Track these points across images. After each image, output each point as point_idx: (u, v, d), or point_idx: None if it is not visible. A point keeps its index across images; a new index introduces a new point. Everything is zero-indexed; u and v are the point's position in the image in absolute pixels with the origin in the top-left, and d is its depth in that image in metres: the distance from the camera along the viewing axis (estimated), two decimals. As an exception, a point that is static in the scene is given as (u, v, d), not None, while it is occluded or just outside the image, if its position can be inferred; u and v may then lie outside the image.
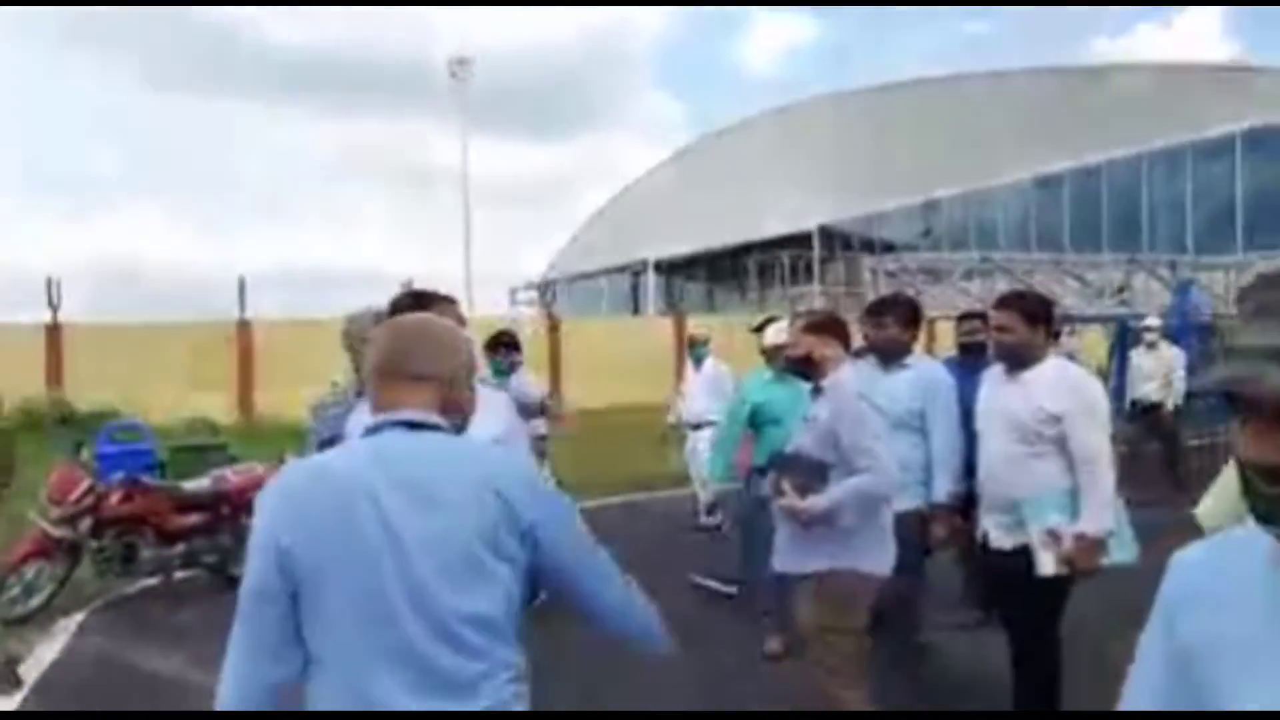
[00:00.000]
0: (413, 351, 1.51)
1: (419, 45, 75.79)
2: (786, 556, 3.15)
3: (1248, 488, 0.87)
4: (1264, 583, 0.90)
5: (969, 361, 4.48)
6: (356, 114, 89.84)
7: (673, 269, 35.31)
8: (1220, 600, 0.92)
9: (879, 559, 3.03)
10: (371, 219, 78.43)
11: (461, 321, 2.29)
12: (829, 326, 3.23)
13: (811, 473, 2.99)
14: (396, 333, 1.58)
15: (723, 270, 35.56)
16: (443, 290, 2.63)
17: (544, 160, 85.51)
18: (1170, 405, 8.19)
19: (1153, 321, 8.64)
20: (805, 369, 3.22)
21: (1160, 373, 8.21)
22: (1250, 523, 0.89)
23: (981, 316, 4.58)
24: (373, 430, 1.47)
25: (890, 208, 31.08)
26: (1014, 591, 3.11)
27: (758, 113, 38.66)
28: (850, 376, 3.15)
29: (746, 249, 32.74)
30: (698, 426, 6.89)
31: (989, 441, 3.18)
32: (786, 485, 3.01)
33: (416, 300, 2.55)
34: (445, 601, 1.35)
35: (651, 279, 32.82)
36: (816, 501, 2.92)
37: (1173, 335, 9.08)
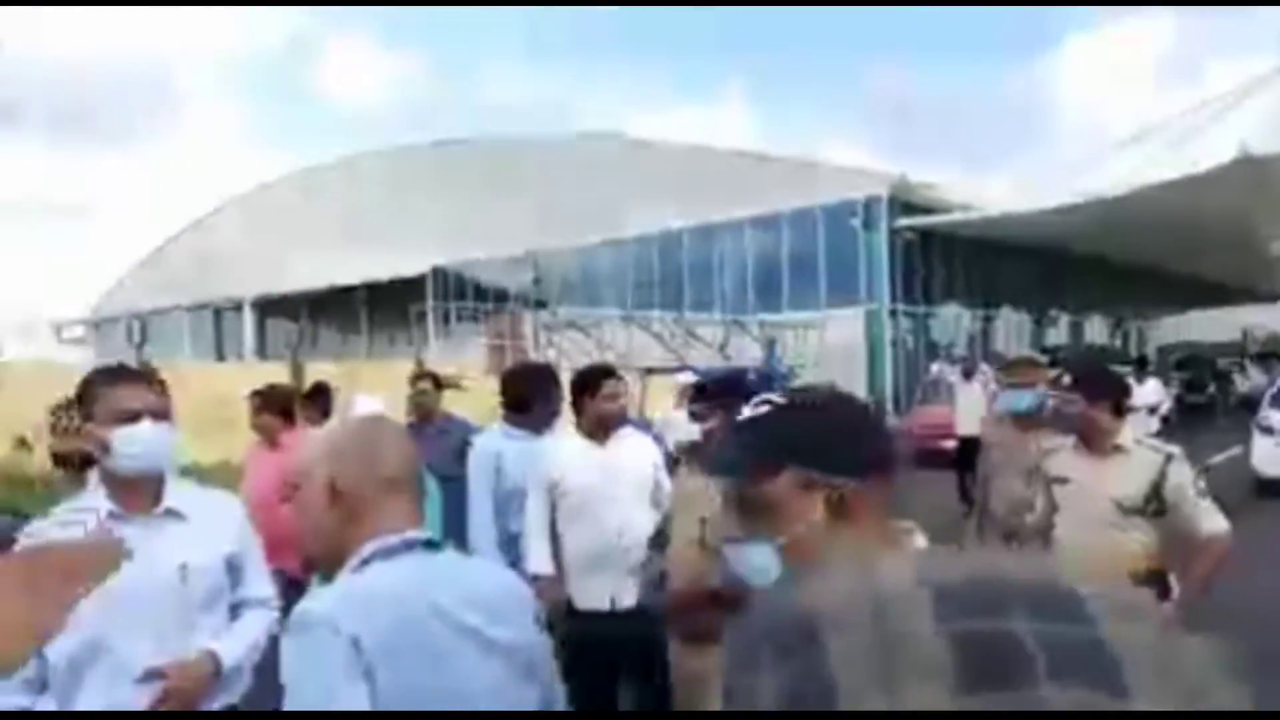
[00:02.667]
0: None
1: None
2: None
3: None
4: None
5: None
6: None
7: (268, 308, 32.56)
8: None
9: None
10: None
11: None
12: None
13: None
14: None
15: (331, 312, 33.70)
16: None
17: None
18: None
19: (685, 377, 9.75)
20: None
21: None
22: None
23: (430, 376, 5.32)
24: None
25: (502, 256, 32.32)
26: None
27: (357, 153, 37.55)
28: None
29: (350, 290, 31.52)
30: None
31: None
32: None
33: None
34: None
35: (248, 317, 29.89)
36: None
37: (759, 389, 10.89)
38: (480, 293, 33.14)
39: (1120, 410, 3.03)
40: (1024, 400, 3.81)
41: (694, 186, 26.29)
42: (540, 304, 26.07)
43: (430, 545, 1.37)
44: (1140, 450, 2.97)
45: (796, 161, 25.95)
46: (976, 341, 27.50)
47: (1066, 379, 3.16)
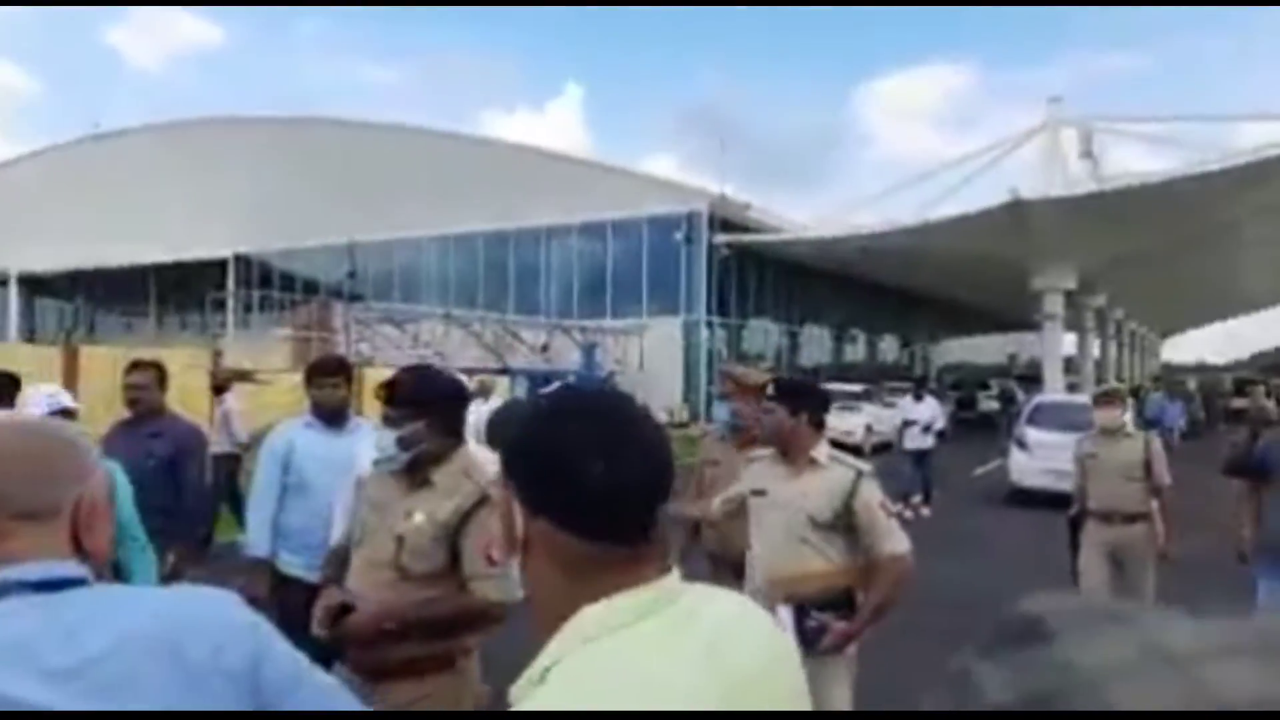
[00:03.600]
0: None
1: None
2: None
3: None
4: None
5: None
6: None
7: (38, 286, 29.17)
8: None
9: None
10: None
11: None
12: None
13: None
14: None
15: (115, 292, 30.64)
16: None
17: None
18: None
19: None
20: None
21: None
22: None
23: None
24: None
25: (311, 245, 30.65)
26: None
27: (141, 125, 34.32)
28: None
29: (142, 271, 28.82)
30: None
31: None
32: None
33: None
34: None
35: (13, 295, 26.61)
36: None
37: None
38: (289, 283, 31.31)
39: (819, 424, 2.99)
40: (720, 412, 3.80)
41: (526, 188, 26.23)
42: (356, 297, 25.01)
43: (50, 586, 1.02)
44: (835, 466, 2.92)
45: (625, 172, 26.53)
46: (783, 355, 29.24)
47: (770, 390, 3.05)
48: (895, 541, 2.82)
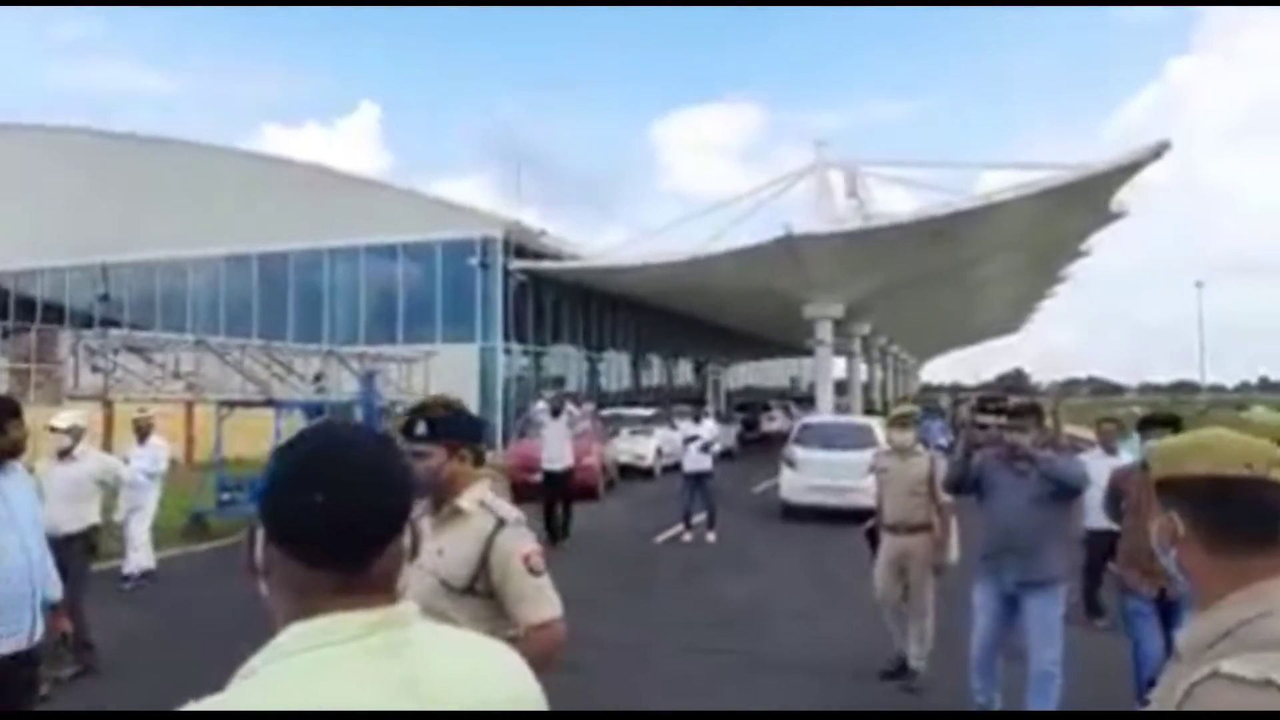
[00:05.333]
0: None
1: None
2: None
3: None
4: None
5: None
6: None
7: None
8: None
9: None
10: None
11: None
12: None
13: None
14: None
15: None
16: None
17: None
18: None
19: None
20: None
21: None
22: None
23: None
24: None
25: (57, 265, 27.33)
26: None
27: None
28: None
29: None
30: None
31: None
32: None
33: None
34: None
35: None
36: None
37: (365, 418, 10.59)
38: (28, 308, 27.71)
39: (479, 460, 2.39)
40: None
41: (312, 209, 24.85)
42: (110, 323, 22.47)
43: None
44: (479, 514, 2.28)
45: (418, 195, 25.79)
46: (583, 380, 29.52)
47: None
48: (539, 607, 2.20)
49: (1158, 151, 19.07)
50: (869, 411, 26.98)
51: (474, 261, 24.03)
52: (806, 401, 30.76)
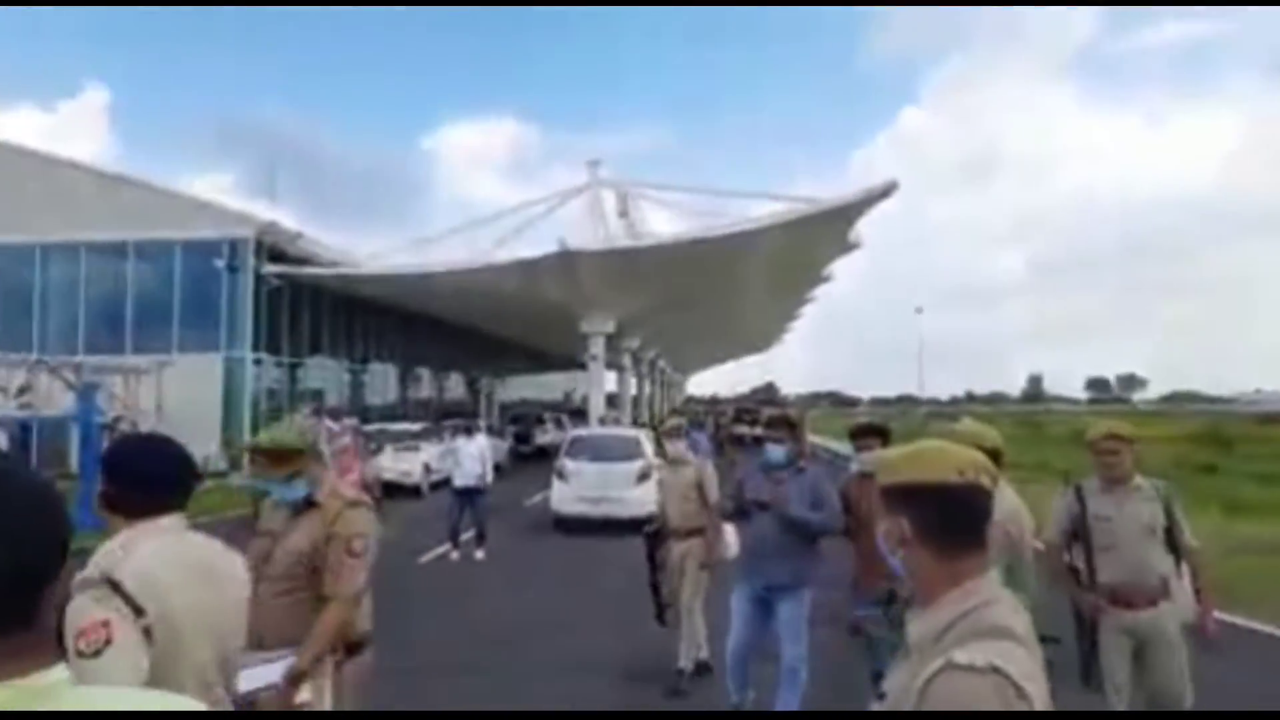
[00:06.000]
0: None
1: None
2: None
3: None
4: None
5: None
6: None
7: None
8: None
9: None
10: None
11: None
12: None
13: None
14: None
15: None
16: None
17: None
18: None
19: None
20: None
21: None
22: None
23: None
24: None
25: None
26: None
27: None
28: None
29: None
30: None
31: None
32: None
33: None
34: None
35: None
36: None
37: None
38: None
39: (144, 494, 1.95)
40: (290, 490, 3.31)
41: (17, 197, 21.53)
42: None
43: None
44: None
45: (155, 189, 23.13)
46: (345, 394, 27.89)
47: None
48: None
49: (887, 190, 21.41)
50: (638, 423, 27.83)
51: (220, 264, 21.98)
52: (580, 415, 31.13)
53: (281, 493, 2.98)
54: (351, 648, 2.91)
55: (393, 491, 16.80)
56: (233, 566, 2.02)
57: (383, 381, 31.46)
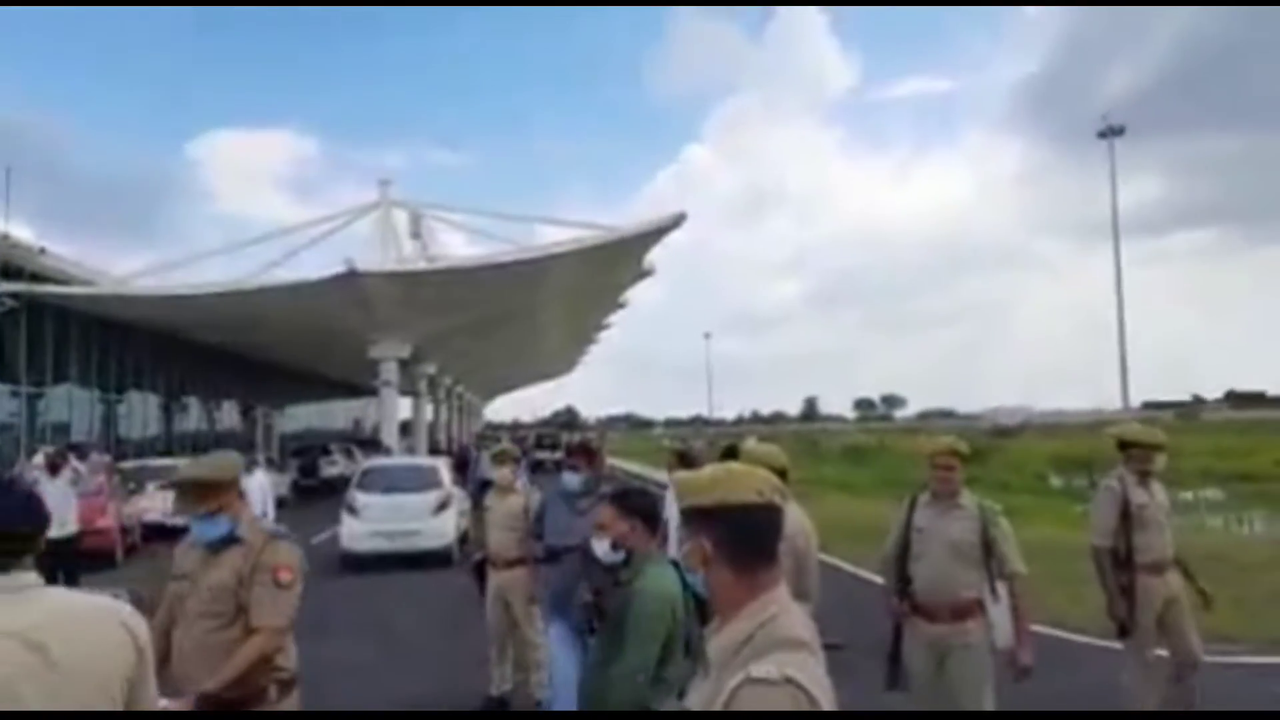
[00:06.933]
0: None
1: None
2: None
3: None
4: None
5: None
6: None
7: None
8: None
9: None
10: None
11: None
12: None
13: None
14: None
15: None
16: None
17: None
18: None
19: None
20: None
21: None
22: None
23: None
24: None
25: None
26: None
27: None
28: None
29: None
30: None
31: None
32: None
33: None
34: None
35: None
36: None
37: None
38: None
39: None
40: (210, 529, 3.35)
41: None
42: None
43: None
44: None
45: None
46: (95, 427, 24.87)
47: None
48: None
49: (677, 221, 22.40)
50: (434, 451, 26.99)
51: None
52: (371, 444, 29.69)
53: (203, 529, 2.88)
54: (283, 686, 2.88)
55: (159, 534, 15.13)
56: None
57: (143, 412, 28.38)
